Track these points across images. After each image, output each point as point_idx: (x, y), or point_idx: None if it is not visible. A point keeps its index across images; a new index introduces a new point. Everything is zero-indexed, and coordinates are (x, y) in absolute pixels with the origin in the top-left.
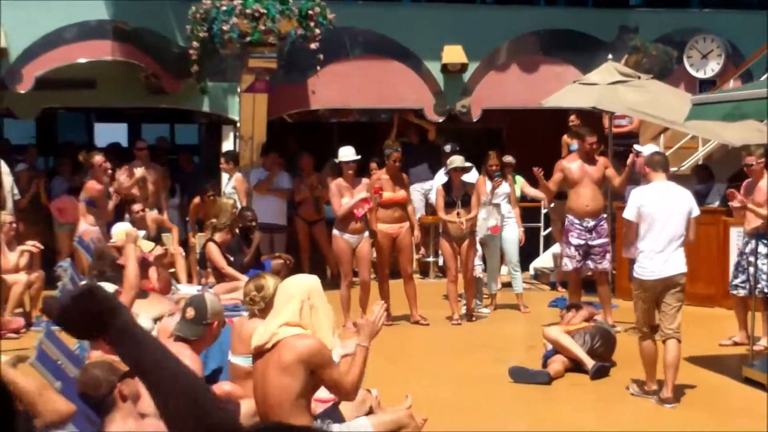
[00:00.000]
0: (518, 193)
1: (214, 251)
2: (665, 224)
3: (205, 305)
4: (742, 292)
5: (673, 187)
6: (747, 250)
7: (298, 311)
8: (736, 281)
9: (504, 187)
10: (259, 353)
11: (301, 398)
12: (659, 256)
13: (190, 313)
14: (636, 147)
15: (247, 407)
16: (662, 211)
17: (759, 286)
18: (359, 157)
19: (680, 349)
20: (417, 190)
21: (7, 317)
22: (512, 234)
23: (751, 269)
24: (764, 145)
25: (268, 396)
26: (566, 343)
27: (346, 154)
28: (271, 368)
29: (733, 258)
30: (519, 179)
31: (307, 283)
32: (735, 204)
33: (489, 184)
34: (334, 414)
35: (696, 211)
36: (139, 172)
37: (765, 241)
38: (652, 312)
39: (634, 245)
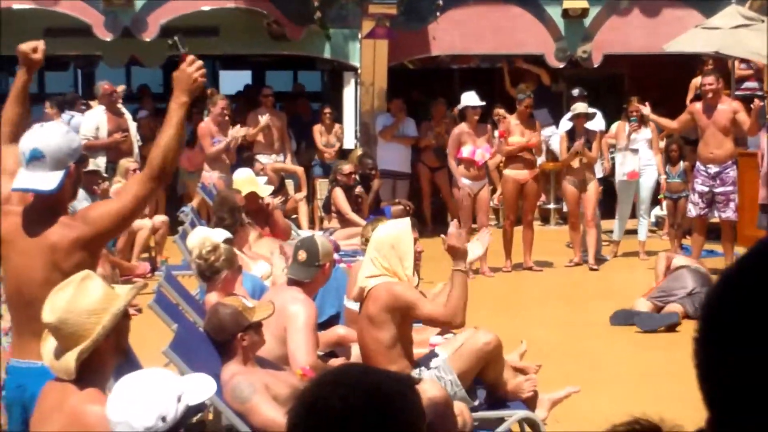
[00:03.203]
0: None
1: (339, 196)
2: None
3: (317, 247)
4: None
5: None
6: None
7: (376, 261)
8: None
9: (644, 133)
10: (361, 305)
11: (393, 348)
12: None
13: (302, 255)
14: None
15: (357, 351)
16: None
17: None
18: (483, 103)
19: None
20: None
21: (134, 262)
22: (649, 181)
23: None
24: None
25: (364, 348)
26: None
27: (471, 99)
28: (364, 319)
29: None
30: None
31: (387, 231)
32: None
33: (627, 129)
34: (429, 358)
35: None
36: (264, 119)
37: None
38: None
39: None
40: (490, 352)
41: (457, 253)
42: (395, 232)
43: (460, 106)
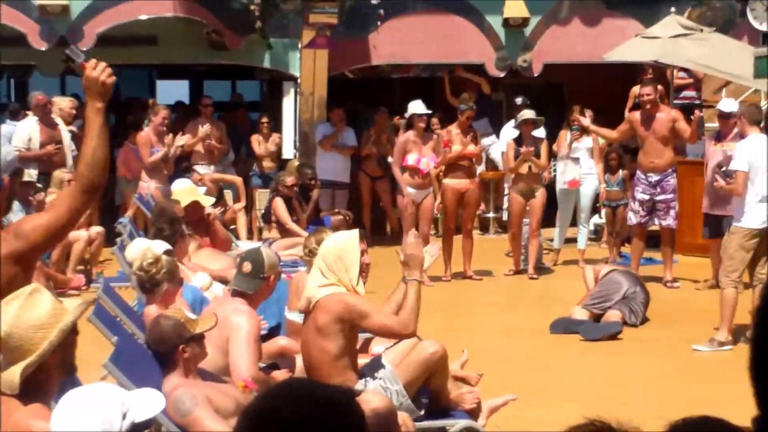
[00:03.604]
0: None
1: (280, 207)
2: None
3: (262, 259)
4: None
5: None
6: None
7: (325, 271)
8: None
9: (585, 142)
10: (306, 315)
11: (340, 359)
12: (765, 205)
13: (247, 267)
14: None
15: (302, 362)
16: (765, 162)
17: None
18: (430, 111)
19: None
20: None
21: (69, 275)
22: (589, 190)
23: None
24: None
25: (309, 358)
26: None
27: (417, 107)
28: (311, 331)
29: None
30: None
31: (334, 242)
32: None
33: (569, 138)
34: (375, 368)
35: None
36: (204, 129)
37: None
38: (747, 261)
39: (742, 196)
40: (436, 361)
41: (413, 263)
42: (342, 244)
43: (407, 114)
